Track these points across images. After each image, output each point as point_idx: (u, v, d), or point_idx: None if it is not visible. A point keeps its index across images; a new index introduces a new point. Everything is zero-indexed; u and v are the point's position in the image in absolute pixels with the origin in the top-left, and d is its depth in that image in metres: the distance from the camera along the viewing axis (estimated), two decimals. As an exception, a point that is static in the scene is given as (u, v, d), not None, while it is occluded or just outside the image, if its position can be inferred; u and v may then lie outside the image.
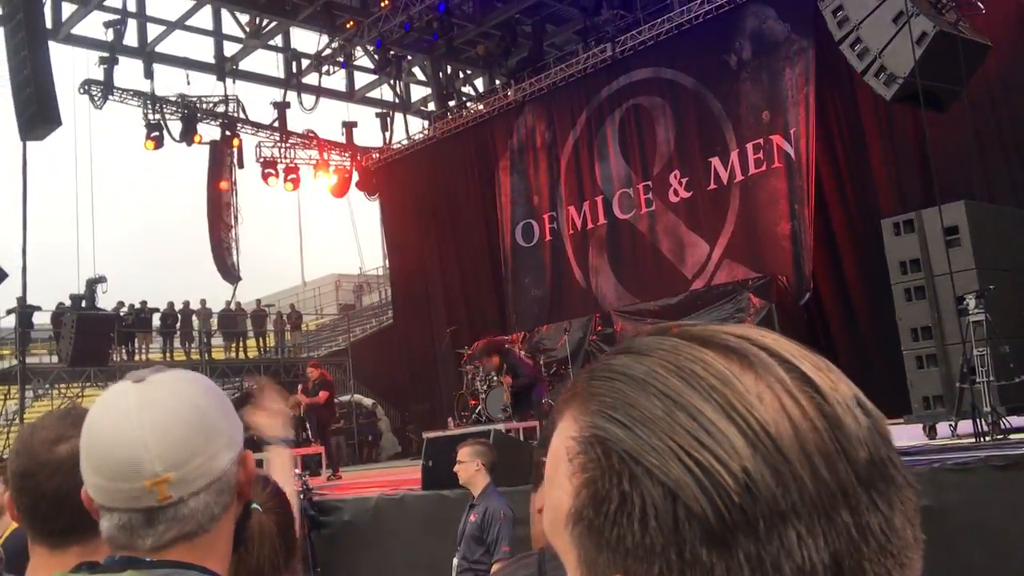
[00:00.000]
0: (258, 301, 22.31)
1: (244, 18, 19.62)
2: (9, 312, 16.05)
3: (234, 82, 20.30)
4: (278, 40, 20.45)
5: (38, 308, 16.69)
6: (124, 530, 1.14)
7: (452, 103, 20.46)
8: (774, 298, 12.04)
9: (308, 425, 12.58)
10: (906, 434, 7.15)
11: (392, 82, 21.29)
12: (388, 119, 21.19)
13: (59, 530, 1.54)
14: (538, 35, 18.34)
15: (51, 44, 15.66)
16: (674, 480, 0.48)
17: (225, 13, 19.56)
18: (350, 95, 21.77)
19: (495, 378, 11.68)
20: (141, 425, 1.10)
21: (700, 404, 0.49)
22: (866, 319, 11.36)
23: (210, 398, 1.19)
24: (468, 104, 20.03)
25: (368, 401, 19.14)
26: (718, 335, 0.54)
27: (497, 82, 19.80)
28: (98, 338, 15.65)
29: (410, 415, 18.35)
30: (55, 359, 17.73)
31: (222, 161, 21.35)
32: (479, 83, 22.06)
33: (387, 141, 20.91)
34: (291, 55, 20.43)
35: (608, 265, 15.25)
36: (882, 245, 7.97)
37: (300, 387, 12.79)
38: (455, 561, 5.42)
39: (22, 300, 15.83)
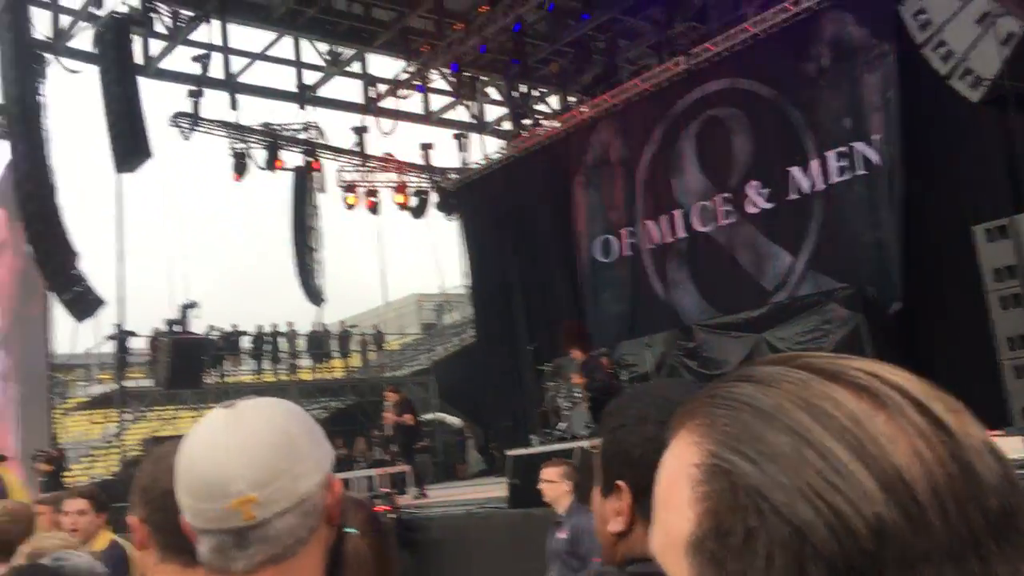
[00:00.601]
0: (342, 322, 22.75)
1: (323, 47, 20.14)
2: (108, 338, 16.72)
3: (315, 109, 20.83)
4: (356, 67, 20.91)
5: (134, 334, 17.33)
6: (218, 552, 1.19)
7: (527, 121, 20.61)
8: (861, 308, 11.76)
9: (394, 444, 12.76)
10: (1006, 447, 6.91)
11: (468, 103, 21.57)
12: (465, 140, 21.46)
13: (185, 548, 1.64)
14: (611, 51, 18.37)
15: (142, 80, 16.34)
16: (803, 521, 0.47)
17: (305, 43, 20.09)
18: (427, 117, 22.10)
19: (576, 392, 11.66)
20: (227, 447, 1.17)
21: (831, 444, 0.49)
22: (959, 328, 11.00)
23: (296, 423, 1.24)
24: (543, 122, 20.15)
25: (452, 419, 19.31)
26: (847, 371, 0.53)
27: (571, 99, 19.89)
28: (192, 361, 16.17)
29: (494, 432, 18.44)
30: (151, 382, 18.38)
31: (304, 186, 21.91)
32: (554, 100, 22.17)
33: (464, 161, 21.17)
34: (368, 81, 20.87)
35: (688, 278, 15.13)
36: (974, 252, 7.74)
37: (387, 408, 13.00)
38: (550, 582, 5.45)
39: (120, 326, 16.47)
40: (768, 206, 13.95)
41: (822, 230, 13.21)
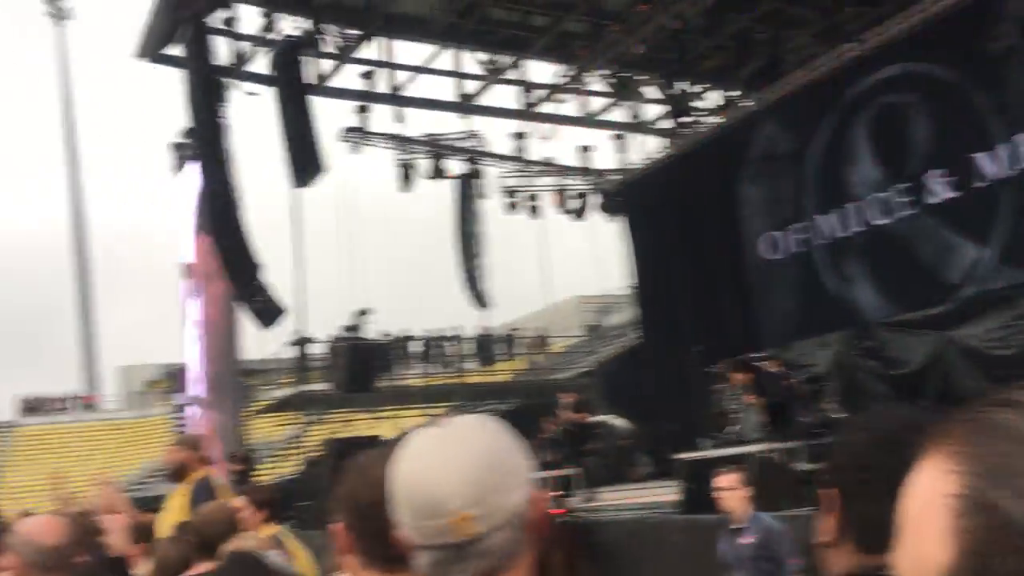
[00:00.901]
0: (507, 325, 23.08)
1: (482, 56, 20.48)
2: (290, 344, 17.60)
3: (475, 117, 21.22)
4: (514, 74, 21.15)
5: (314, 340, 18.18)
6: (437, 566, 1.25)
7: (687, 119, 20.25)
8: (1062, 302, 10.89)
9: (563, 446, 12.81)
10: None
11: (626, 103, 21.41)
12: (624, 140, 21.32)
13: (395, 556, 1.72)
14: (774, 42, 17.77)
15: (313, 98, 17.13)
16: None
17: (464, 53, 20.50)
18: (585, 120, 22.09)
19: (744, 397, 11.36)
20: (441, 466, 1.22)
21: None
22: None
23: (500, 439, 1.29)
24: (704, 119, 19.75)
25: (618, 421, 19.21)
26: None
27: (733, 93, 19.39)
28: (367, 366, 16.81)
29: (660, 435, 18.21)
30: (329, 386, 19.23)
31: (466, 193, 22.39)
32: (714, 96, 21.67)
33: (624, 162, 21.03)
34: (527, 87, 21.07)
35: (864, 274, 14.43)
36: None
37: (560, 409, 13.10)
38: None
39: (299, 332, 17.33)
40: (951, 195, 13.13)
41: (1013, 219, 12.30)
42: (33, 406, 44.90)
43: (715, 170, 17.13)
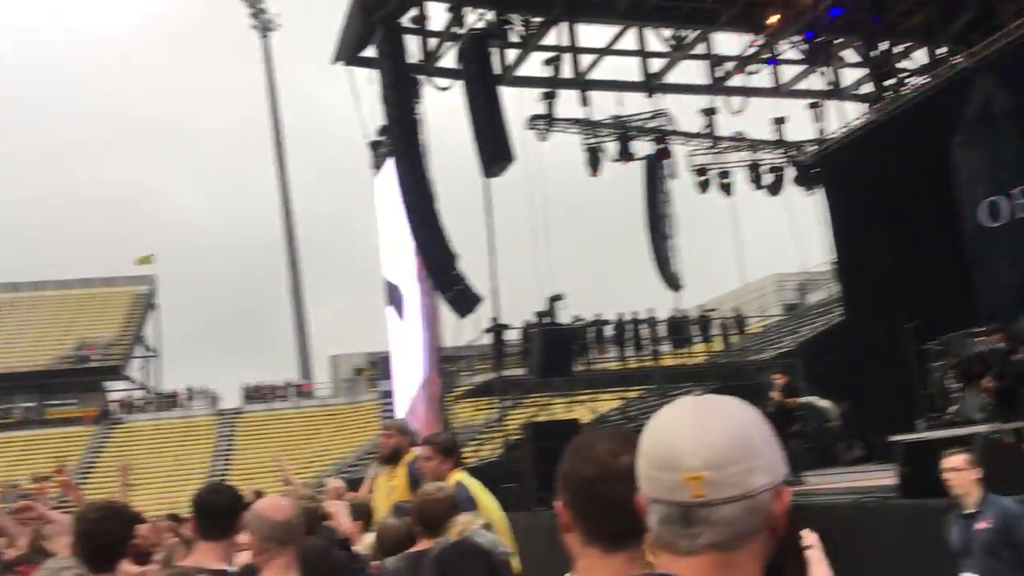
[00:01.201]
0: (701, 307, 22.64)
1: (667, 33, 20.11)
2: (486, 331, 18.03)
3: (662, 96, 20.89)
4: (701, 48, 20.64)
5: (509, 326, 18.54)
6: (665, 525, 1.25)
7: (891, 81, 19.07)
8: None
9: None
10: None
11: (822, 70, 20.42)
12: (820, 109, 20.36)
13: (615, 533, 1.71)
14: (988, -10, 16.41)
15: (501, 88, 17.42)
16: None
17: (648, 31, 20.21)
18: (777, 90, 21.26)
19: (972, 380, 10.58)
20: (689, 424, 1.24)
21: None
22: None
23: (755, 423, 1.28)
24: (909, 80, 18.52)
25: (823, 402, 18.42)
26: None
27: (941, 51, 18.06)
28: (561, 351, 16.95)
29: (870, 417, 17.31)
30: (525, 371, 19.56)
31: (655, 174, 22.09)
32: (920, 55, 20.29)
33: (821, 132, 20.08)
34: (715, 61, 20.51)
35: (1101, 239, 13.10)
36: None
37: (774, 389, 12.75)
38: (967, 576, 5.02)
39: (495, 320, 17.70)
40: None
41: None
42: (255, 394, 48.44)
43: (923, 135, 16.01)
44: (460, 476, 5.20)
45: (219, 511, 3.50)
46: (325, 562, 3.66)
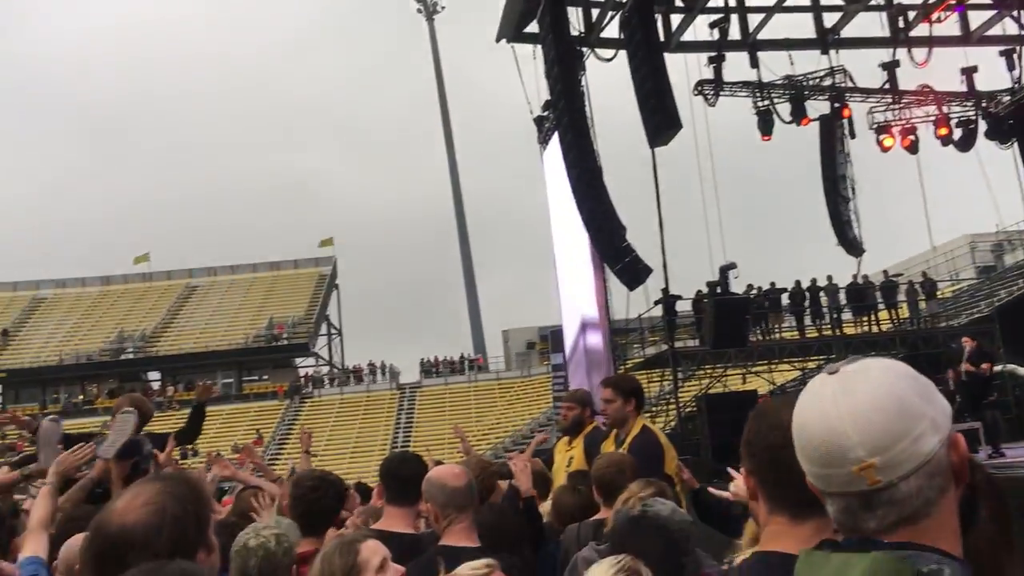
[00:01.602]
0: (885, 272, 21.52)
1: (841, -16, 19.12)
2: (656, 303, 17.84)
3: (837, 52, 19.89)
4: (879, -2, 19.50)
5: (680, 297, 18.27)
6: (846, 514, 1.21)
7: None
8: None
9: (959, 398, 11.74)
10: None
11: (1016, 13, 18.85)
12: (1015, 56, 18.82)
13: (803, 502, 1.67)
14: None
15: (666, 55, 17.06)
16: None
17: (822, -16, 19.27)
18: (966, 39, 19.79)
19: None
20: (840, 415, 1.18)
21: None
22: None
23: (906, 382, 1.21)
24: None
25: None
26: None
27: None
28: (735, 321, 16.55)
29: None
30: (697, 343, 19.26)
31: (832, 134, 21.11)
32: None
33: (1017, 80, 18.57)
34: (895, 10, 19.31)
35: None
36: None
37: (964, 357, 12.04)
38: None
39: (666, 291, 17.49)
40: None
41: None
42: (432, 368, 50.06)
43: None
44: (645, 421, 5.20)
45: (405, 479, 3.65)
46: (503, 525, 3.75)
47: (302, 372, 51.92)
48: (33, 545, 3.44)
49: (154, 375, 51.99)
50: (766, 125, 19.63)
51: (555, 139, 20.11)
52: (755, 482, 1.84)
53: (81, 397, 49.07)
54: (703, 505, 4.94)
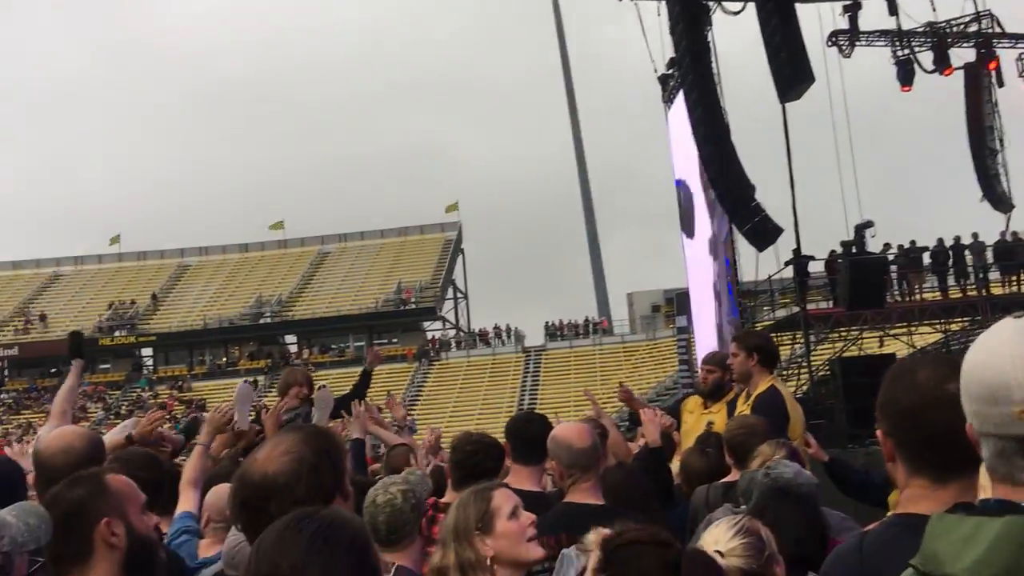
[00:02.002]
0: (1037, 228, 20.26)
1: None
2: (787, 264, 17.32)
3: (985, -4, 18.70)
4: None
5: (812, 257, 17.68)
6: (1000, 458, 1.20)
7: None
8: None
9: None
10: None
11: None
12: None
13: (943, 464, 1.66)
14: None
15: (796, 6, 16.38)
16: None
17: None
18: None
19: None
20: (1012, 356, 1.16)
21: None
22: None
23: None
24: None
25: None
26: None
27: None
28: (871, 281, 15.93)
29: None
30: (831, 304, 18.63)
31: (979, 83, 19.91)
32: None
33: None
34: (1051, -54, 17.98)
35: None
36: None
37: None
38: None
39: (797, 251, 16.95)
40: None
41: None
42: (556, 331, 50.32)
43: None
44: (773, 381, 5.11)
45: (531, 438, 3.70)
46: (632, 484, 3.75)
47: (429, 336, 53.11)
48: (185, 501, 3.67)
49: (290, 338, 54.27)
50: (906, 75, 18.67)
51: (680, 97, 19.71)
52: (893, 444, 1.78)
53: (224, 359, 51.69)
54: (840, 476, 4.81)
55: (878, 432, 1.80)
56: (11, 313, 55.23)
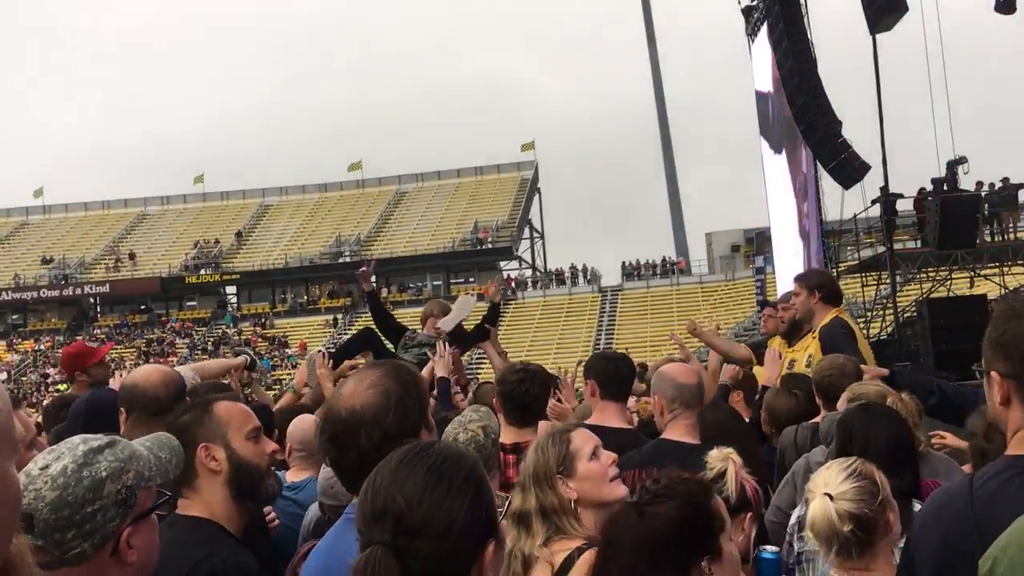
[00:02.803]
0: None
1: None
2: (874, 202, 16.80)
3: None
4: None
5: (900, 195, 17.11)
6: None
7: None
8: None
9: None
10: None
11: None
12: None
13: None
14: None
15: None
16: None
17: None
18: None
19: None
20: None
21: None
22: None
23: None
24: None
25: None
26: None
27: None
28: (963, 220, 15.38)
29: None
30: (919, 244, 18.05)
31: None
32: None
33: None
34: None
35: None
36: None
37: None
38: None
39: (884, 189, 16.41)
40: None
41: None
42: (633, 271, 50.00)
43: None
44: (838, 313, 5.15)
45: (620, 376, 3.70)
46: (725, 422, 3.74)
47: (506, 275, 53.35)
48: None
49: (370, 277, 55.05)
50: (1006, 3, 17.67)
51: (764, 30, 19.09)
52: (1012, 386, 1.71)
53: (305, 298, 52.83)
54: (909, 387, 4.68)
55: (992, 374, 1.73)
56: (102, 251, 57.24)
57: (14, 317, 54.32)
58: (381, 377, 1.96)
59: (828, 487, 2.28)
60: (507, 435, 3.58)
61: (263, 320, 51.01)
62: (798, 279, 5.48)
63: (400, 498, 1.42)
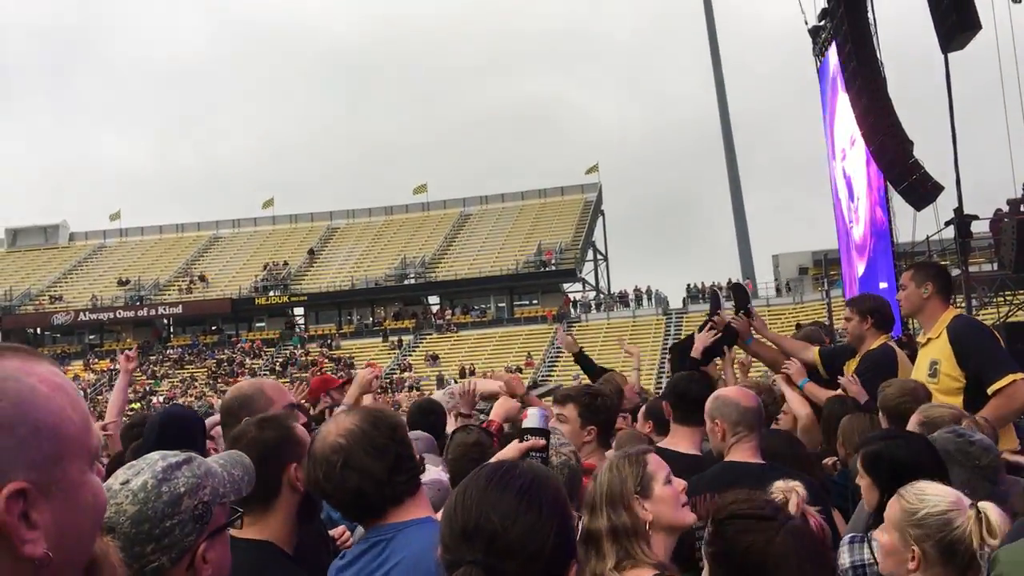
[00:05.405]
0: None
1: None
2: (947, 223, 16.41)
3: None
4: None
5: (975, 217, 16.67)
6: None
7: None
8: None
9: None
10: None
11: None
12: None
13: None
14: None
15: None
16: None
17: None
18: None
19: None
20: None
21: None
22: None
23: None
24: None
25: None
26: None
27: None
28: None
29: None
30: (995, 267, 17.56)
31: None
32: None
33: None
34: None
35: None
36: None
37: None
38: None
39: (959, 210, 16.01)
40: None
41: None
42: (698, 294, 49.48)
43: None
44: (886, 339, 5.11)
45: (695, 399, 3.66)
46: (790, 449, 3.69)
47: (570, 297, 53.25)
48: None
49: (433, 299, 55.49)
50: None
51: (832, 50, 18.86)
52: None
53: (371, 319, 53.44)
54: None
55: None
56: (175, 274, 58.76)
57: (91, 337, 55.96)
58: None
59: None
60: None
61: (329, 341, 51.73)
62: (851, 303, 5.50)
63: (495, 518, 1.43)
